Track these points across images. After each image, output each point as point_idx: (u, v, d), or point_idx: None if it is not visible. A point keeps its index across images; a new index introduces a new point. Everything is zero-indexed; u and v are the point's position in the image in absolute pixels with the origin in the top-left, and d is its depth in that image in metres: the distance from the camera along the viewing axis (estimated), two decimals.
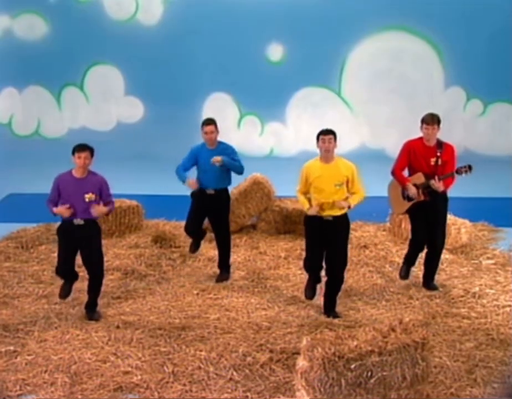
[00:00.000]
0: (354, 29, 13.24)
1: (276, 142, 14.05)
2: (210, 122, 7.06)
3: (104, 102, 14.32)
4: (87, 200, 6.09)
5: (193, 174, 7.18)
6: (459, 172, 6.61)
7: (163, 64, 13.74)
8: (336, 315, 6.31)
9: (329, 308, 6.36)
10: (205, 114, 13.75)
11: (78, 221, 6.14)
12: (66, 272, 6.37)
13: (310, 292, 6.44)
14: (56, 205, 6.17)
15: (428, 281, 6.99)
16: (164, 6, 13.87)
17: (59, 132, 13.99)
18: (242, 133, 13.93)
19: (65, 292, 6.45)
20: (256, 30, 13.35)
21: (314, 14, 13.23)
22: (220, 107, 13.68)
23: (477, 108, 13.51)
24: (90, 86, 14.36)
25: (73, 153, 6.08)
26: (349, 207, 6.13)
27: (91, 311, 6.39)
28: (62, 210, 6.08)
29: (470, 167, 6.60)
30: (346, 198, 6.12)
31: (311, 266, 6.40)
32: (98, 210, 6.13)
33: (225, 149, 7.08)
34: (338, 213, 6.11)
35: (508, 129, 13.40)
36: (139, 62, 13.81)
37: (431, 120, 6.61)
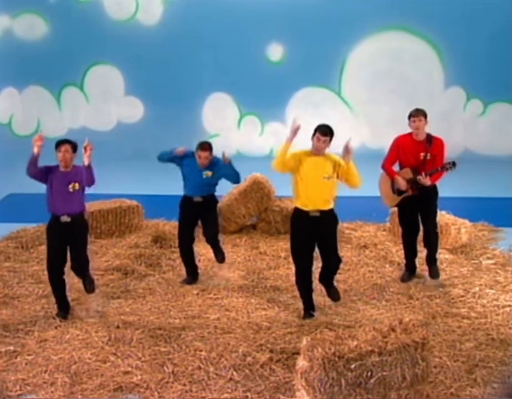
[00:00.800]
0: (354, 29, 13.24)
1: (276, 142, 13.94)
2: (206, 147, 6.95)
3: (104, 102, 14.33)
4: (71, 190, 6.16)
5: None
6: (443, 168, 6.66)
7: (163, 63, 13.74)
8: (335, 293, 6.36)
9: (327, 283, 6.37)
10: (206, 114, 13.81)
11: (65, 218, 6.20)
12: (55, 271, 6.35)
13: (310, 308, 6.35)
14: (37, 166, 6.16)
15: (430, 265, 6.99)
16: (164, 6, 13.87)
17: (59, 132, 13.91)
18: (242, 133, 13.91)
19: (61, 316, 6.40)
20: (256, 30, 13.35)
21: (314, 14, 13.23)
22: (220, 107, 13.69)
23: (477, 108, 13.50)
24: (90, 86, 14.37)
25: (56, 148, 6.18)
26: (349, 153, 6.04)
27: (87, 283, 6.44)
28: (38, 142, 6.11)
29: (454, 163, 6.64)
30: (333, 201, 6.10)
31: (300, 260, 6.22)
32: (87, 157, 6.12)
33: (215, 164, 7.03)
34: (325, 207, 6.07)
35: (508, 129, 13.39)
36: (139, 62, 13.82)
37: (417, 112, 6.73)
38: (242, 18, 13.41)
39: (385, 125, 13.35)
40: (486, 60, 12.95)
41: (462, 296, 6.74)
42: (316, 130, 6.05)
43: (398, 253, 7.89)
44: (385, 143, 13.47)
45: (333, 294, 6.46)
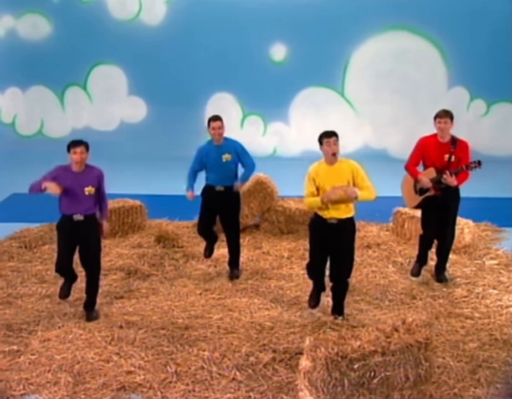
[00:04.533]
0: (357, 29, 13.24)
1: (279, 142, 14.05)
2: (217, 118, 7.18)
3: (107, 102, 14.36)
4: (86, 193, 6.13)
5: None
6: (468, 167, 6.62)
7: (166, 63, 13.77)
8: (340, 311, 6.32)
9: (338, 312, 6.30)
10: (208, 114, 13.70)
11: (78, 217, 6.16)
12: (64, 269, 6.35)
13: (314, 301, 6.37)
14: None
15: (438, 272, 7.05)
16: (167, 6, 13.89)
17: (62, 132, 14.01)
18: (245, 133, 13.89)
19: (64, 293, 6.47)
20: (260, 30, 13.37)
21: (317, 14, 13.23)
22: (223, 107, 13.68)
23: (480, 108, 13.49)
24: (93, 86, 14.40)
25: (68, 149, 6.10)
26: (356, 198, 5.90)
27: (89, 311, 6.38)
28: (52, 185, 5.95)
29: (479, 162, 6.60)
30: (350, 208, 6.00)
31: (314, 271, 6.30)
32: (105, 231, 6.39)
33: (233, 146, 7.16)
34: (343, 215, 5.97)
35: (511, 129, 13.38)
36: (142, 62, 13.85)
37: (444, 113, 6.71)
38: (246, 18, 13.42)
39: (388, 125, 13.39)
40: (489, 60, 12.94)
41: (465, 297, 6.74)
42: (320, 138, 5.97)
43: (401, 253, 7.90)
44: (388, 143, 13.59)
45: (338, 311, 6.32)
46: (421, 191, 6.87)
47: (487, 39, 12.90)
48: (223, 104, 13.80)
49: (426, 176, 6.76)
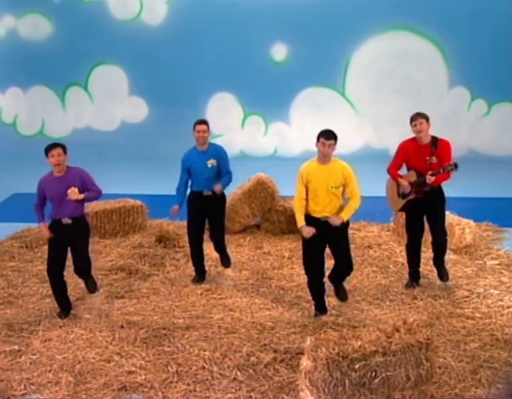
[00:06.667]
0: (358, 28, 13.23)
1: (280, 142, 14.04)
2: (203, 121, 7.14)
3: (108, 102, 14.37)
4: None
5: None
6: (445, 170, 6.49)
7: (167, 63, 13.78)
8: (343, 293, 6.44)
9: (337, 284, 6.42)
10: (209, 114, 13.80)
11: (66, 220, 6.19)
12: (55, 272, 6.34)
13: (321, 309, 6.36)
14: (43, 208, 6.33)
15: (437, 267, 6.97)
16: (168, 6, 13.90)
17: (63, 132, 14.01)
18: (246, 133, 13.92)
19: (64, 314, 6.43)
20: (261, 30, 13.37)
21: (318, 14, 13.23)
22: (224, 107, 13.70)
23: (481, 108, 13.47)
24: (94, 86, 14.41)
25: (46, 155, 6.10)
26: (342, 223, 6.03)
27: (90, 284, 6.51)
28: (45, 231, 6.32)
29: (455, 165, 6.47)
30: (341, 208, 6.07)
31: (311, 267, 6.26)
32: (73, 193, 6.06)
33: (217, 152, 7.11)
34: (334, 213, 6.05)
35: None
36: (144, 62, 13.86)
37: (416, 115, 6.56)
38: (247, 18, 13.43)
39: (389, 125, 13.37)
40: (490, 60, 12.92)
41: (466, 297, 6.73)
42: (319, 136, 5.99)
43: (402, 253, 7.87)
44: (389, 143, 13.52)
45: (341, 294, 6.51)
46: (403, 195, 6.77)
47: (488, 38, 12.89)
48: (224, 104, 13.80)
49: (407, 179, 6.66)
